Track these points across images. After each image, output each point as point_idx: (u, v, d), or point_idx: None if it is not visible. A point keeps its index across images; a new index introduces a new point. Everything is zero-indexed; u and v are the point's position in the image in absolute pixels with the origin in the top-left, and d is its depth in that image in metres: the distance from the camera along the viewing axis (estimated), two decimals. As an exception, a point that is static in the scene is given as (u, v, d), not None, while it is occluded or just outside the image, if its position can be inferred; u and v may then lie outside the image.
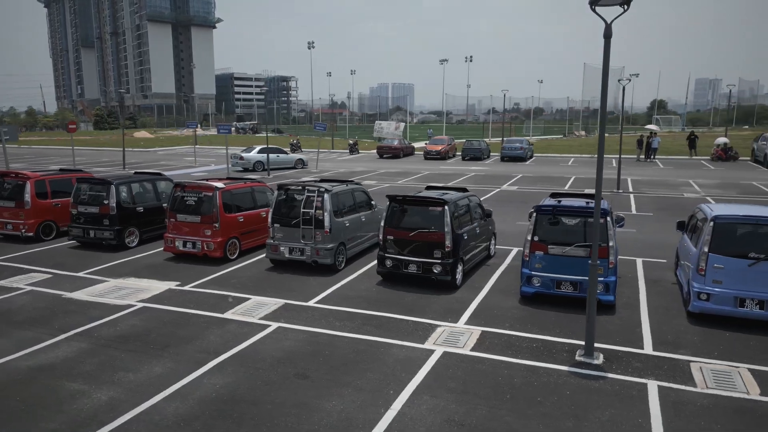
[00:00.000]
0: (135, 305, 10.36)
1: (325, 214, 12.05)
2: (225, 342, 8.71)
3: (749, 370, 7.66)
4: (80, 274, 12.41)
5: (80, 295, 10.99)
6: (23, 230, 15.08)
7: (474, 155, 40.42)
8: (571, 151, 47.45)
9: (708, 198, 22.35)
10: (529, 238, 10.18)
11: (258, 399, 6.98)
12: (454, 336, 8.88)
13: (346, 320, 9.57)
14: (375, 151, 45.29)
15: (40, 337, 8.92)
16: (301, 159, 36.29)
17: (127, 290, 11.24)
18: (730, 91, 75.30)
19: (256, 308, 10.16)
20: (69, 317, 9.80)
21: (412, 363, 7.94)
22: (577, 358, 8.06)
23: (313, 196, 12.12)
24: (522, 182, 28.17)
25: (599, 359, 7.98)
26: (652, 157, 38.68)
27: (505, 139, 43.04)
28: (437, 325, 9.31)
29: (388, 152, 42.73)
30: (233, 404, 6.86)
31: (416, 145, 49.71)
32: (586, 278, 9.65)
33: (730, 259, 9.02)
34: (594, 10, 7.34)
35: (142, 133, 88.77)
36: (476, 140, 43.32)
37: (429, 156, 41.47)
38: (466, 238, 11.51)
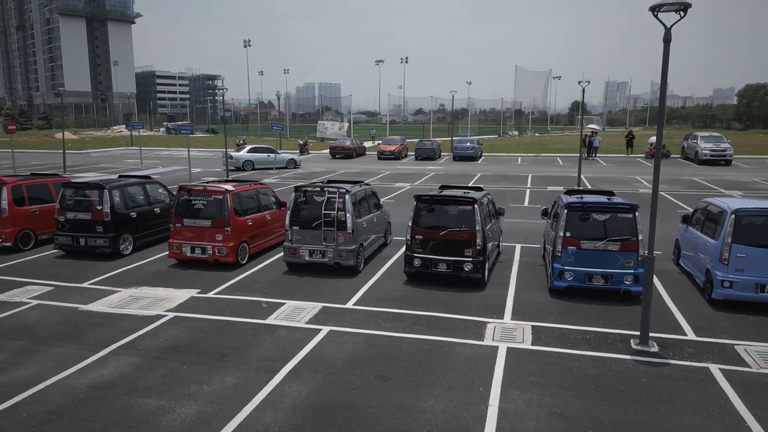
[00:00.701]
0: (165, 315, 9.86)
1: (348, 215, 11.94)
2: (283, 348, 8.48)
3: (788, 349, 8.37)
4: (85, 284, 11.63)
5: (98, 306, 10.32)
6: (0, 240, 13.91)
7: (427, 155, 41.03)
8: (514, 150, 49.17)
9: (663, 194, 23.86)
10: (561, 234, 10.56)
11: (353, 404, 6.88)
12: (508, 332, 9.10)
13: (395, 321, 9.56)
14: (326, 151, 45.03)
15: (79, 353, 8.32)
16: (293, 159, 35.82)
17: (147, 300, 10.67)
18: (649, 93, 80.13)
19: (296, 313, 9.94)
20: (99, 330, 9.19)
21: (484, 360, 8.07)
22: (634, 347, 8.48)
23: (335, 198, 11.98)
24: (484, 181, 28.91)
25: (654, 347, 8.43)
26: (593, 155, 40.80)
27: (456, 138, 43.98)
28: (486, 322, 9.49)
29: (342, 152, 42.58)
30: (331, 410, 6.72)
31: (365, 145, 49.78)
32: (616, 271, 10.26)
33: (751, 249, 9.78)
34: (656, 16, 7.76)
35: (64, 134, 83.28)
36: (428, 140, 44.01)
37: (383, 156, 41.67)
38: (490, 235, 11.78)
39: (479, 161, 40.52)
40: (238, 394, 7.10)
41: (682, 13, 7.72)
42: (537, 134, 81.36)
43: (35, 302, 10.59)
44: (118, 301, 10.59)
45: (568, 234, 10.53)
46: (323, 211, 11.95)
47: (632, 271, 10.24)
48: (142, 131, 49.44)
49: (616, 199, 11.19)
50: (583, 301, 10.42)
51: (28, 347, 8.57)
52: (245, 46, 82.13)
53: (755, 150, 44.60)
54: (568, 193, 12.21)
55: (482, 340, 8.75)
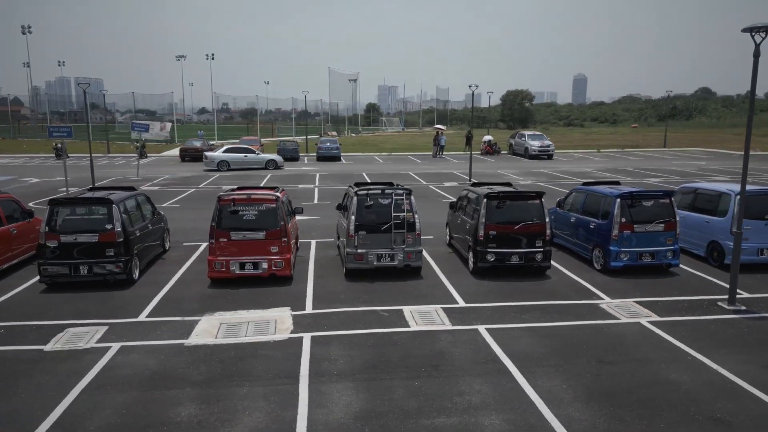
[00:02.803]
0: (299, 335, 8.89)
1: (416, 216, 11.91)
2: (477, 349, 8.44)
3: (815, 295, 10.98)
4: (141, 318, 9.71)
5: (202, 339, 8.83)
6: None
7: (291, 156, 40.29)
8: (354, 150, 50.58)
9: (540, 184, 27.40)
10: (618, 220, 12.05)
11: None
12: (625, 306, 10.27)
13: (528, 312, 10.03)
14: (167, 154, 41.26)
15: (285, 388, 7.23)
16: (273, 160, 34.30)
17: (248, 324, 9.41)
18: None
19: (427, 317, 9.78)
20: (256, 362, 8.00)
21: (645, 334, 9.09)
22: (728, 307, 10.29)
23: (402, 199, 11.83)
24: (380, 179, 29.75)
25: (741, 306, 10.35)
26: (441, 153, 44.39)
27: (320, 139, 43.82)
28: (603, 300, 10.53)
29: (194, 154, 39.51)
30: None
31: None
32: (660, 248, 12.13)
33: (753, 221, 12.42)
34: (753, 37, 9.56)
35: None
36: (290, 141, 43.21)
37: (243, 158, 39.73)
38: None
39: (343, 161, 41.17)
40: (524, 399, 7.03)
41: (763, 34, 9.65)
42: (353, 134, 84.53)
43: (114, 345, 8.61)
44: (217, 331, 9.16)
45: (623, 220, 12.07)
46: (393, 213, 11.73)
47: (672, 247, 12.20)
48: None
49: (638, 189, 13.05)
50: (635, 277, 12.06)
51: (212, 393, 7.14)
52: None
53: (559, 146, 52.93)
54: (586, 185, 13.84)
55: (622, 319, 9.74)
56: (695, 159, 41.78)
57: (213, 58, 77.70)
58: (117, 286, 11.29)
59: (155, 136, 56.98)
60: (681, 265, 12.86)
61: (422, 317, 9.78)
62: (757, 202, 12.64)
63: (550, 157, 42.28)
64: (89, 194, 11.92)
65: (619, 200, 12.18)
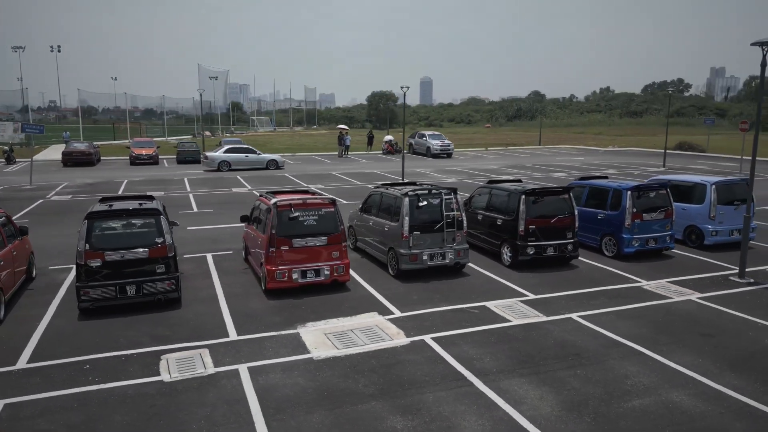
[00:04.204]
0: (422, 338, 8.80)
1: (463, 214, 12.20)
2: (584, 334, 9.03)
3: (788, 266, 13.18)
4: (234, 338, 8.92)
5: (326, 352, 8.39)
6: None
7: (193, 158, 37.78)
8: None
9: (467, 181, 28.90)
10: (629, 210, 13.39)
11: None
12: (664, 286, 11.54)
13: (594, 298, 10.84)
14: (41, 158, 36.60)
15: (468, 390, 7.20)
16: (274, 160, 33.93)
17: (357, 332, 9.09)
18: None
19: (514, 310, 10.17)
20: (412, 367, 7.84)
21: (708, 309, 10.36)
22: (739, 280, 11.99)
23: (451, 199, 12.05)
24: (308, 180, 29.24)
25: (750, 278, 12.11)
26: (346, 153, 44.51)
27: (223, 140, 41.37)
28: (641, 282, 11.68)
29: (80, 158, 35.50)
30: None
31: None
32: (661, 234, 13.72)
33: (725, 207, 14.51)
34: (763, 50, 11.26)
35: None
36: (188, 142, 40.38)
37: (138, 161, 36.44)
38: None
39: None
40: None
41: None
42: (227, 134, 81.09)
43: (238, 366, 7.88)
44: (330, 342, 8.74)
45: (635, 210, 13.43)
46: (445, 213, 11.90)
47: (669, 232, 13.85)
48: None
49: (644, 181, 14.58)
50: (642, 262, 13.51)
51: (404, 404, 6.90)
52: None
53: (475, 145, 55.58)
54: (584, 178, 15.12)
55: (673, 299, 10.95)
56: (572, 155, 46.54)
57: (59, 51, 69.73)
58: (168, 306, 10.15)
59: (8, 138, 50.37)
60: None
61: (510, 311, 10.14)
62: (727, 190, 14.79)
63: (449, 155, 44.38)
64: (134, 205, 10.51)
65: (630, 192, 13.53)
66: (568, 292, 11.19)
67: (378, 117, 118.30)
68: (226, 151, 33.35)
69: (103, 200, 11.21)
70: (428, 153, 44.34)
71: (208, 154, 33.29)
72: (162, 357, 8.20)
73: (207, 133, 78.63)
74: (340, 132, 44.81)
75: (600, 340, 8.86)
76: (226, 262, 13.25)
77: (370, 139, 47.07)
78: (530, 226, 12.59)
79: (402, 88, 28.93)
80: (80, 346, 8.57)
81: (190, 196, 23.82)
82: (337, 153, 44.61)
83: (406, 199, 11.81)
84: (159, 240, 9.93)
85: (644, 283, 11.80)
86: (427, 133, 46.52)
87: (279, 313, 10.00)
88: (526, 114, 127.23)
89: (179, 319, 9.69)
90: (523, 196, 12.65)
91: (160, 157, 38.27)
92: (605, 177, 15.78)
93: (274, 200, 11.00)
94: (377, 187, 13.58)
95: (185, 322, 9.55)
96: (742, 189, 14.81)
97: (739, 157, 32.32)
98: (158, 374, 7.67)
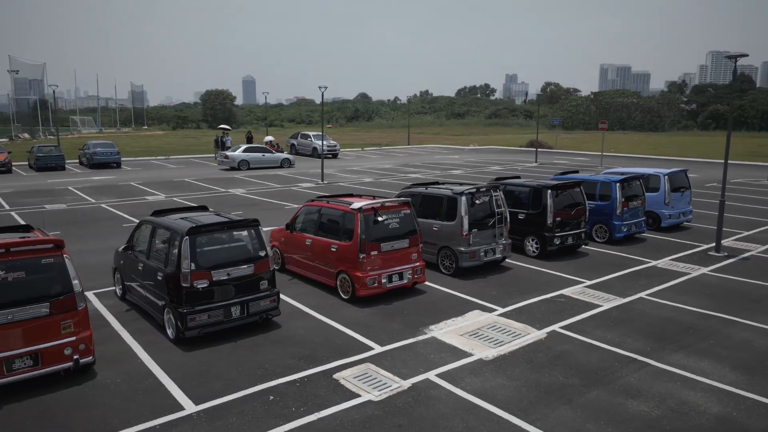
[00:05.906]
0: (549, 329, 9.21)
1: (506, 211, 12.75)
2: (653, 313, 10.21)
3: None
4: (380, 349, 8.45)
5: (496, 350, 8.40)
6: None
7: (57, 163, 32.89)
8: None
9: (367, 180, 29.53)
10: (619, 200, 15.07)
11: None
12: (673, 264, 13.29)
13: (636, 279, 12.13)
14: None
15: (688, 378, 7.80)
16: (287, 158, 35.92)
17: (487, 330, 9.20)
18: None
19: (591, 295, 11.03)
20: (584, 359, 8.20)
21: (728, 281, 12.22)
22: (715, 254, 14.21)
23: (499, 196, 12.52)
24: (207, 185, 27.45)
25: (724, 252, 14.41)
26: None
27: (90, 143, 36.06)
28: (651, 262, 13.30)
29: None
30: None
31: None
32: (639, 219, 15.73)
33: (674, 194, 17.00)
34: (734, 62, 13.50)
35: None
36: (49, 145, 34.83)
37: (-8, 170, 30.78)
38: None
39: (124, 167, 35.50)
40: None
41: (736, 59, 13.71)
42: (51, 136, 71.33)
43: (425, 376, 7.56)
44: (479, 342, 8.75)
45: (623, 199, 15.15)
46: (496, 210, 12.34)
47: (644, 218, 15.88)
48: None
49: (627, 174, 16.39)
50: (624, 246, 15.33)
51: (624, 386, 7.23)
52: None
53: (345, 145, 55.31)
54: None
55: (695, 273, 12.69)
56: (444, 154, 49.47)
57: None
58: (262, 327, 9.18)
59: None
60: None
61: (589, 296, 10.98)
62: (675, 179, 17.31)
63: (335, 156, 44.37)
64: (233, 217, 9.26)
65: (618, 184, 15.22)
66: (610, 276, 12.34)
67: (215, 117, 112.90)
68: (245, 151, 34.85)
69: (156, 213, 9.72)
70: (314, 153, 43.90)
71: (228, 153, 34.53)
72: (334, 376, 7.53)
73: (26, 135, 69.03)
74: (222, 132, 42.05)
75: (689, 315, 10.04)
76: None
77: (249, 140, 45.09)
78: (557, 218, 13.59)
79: (320, 87, 28.53)
80: (227, 377, 7.50)
81: (104, 205, 21.00)
82: (214, 155, 41.82)
83: (463, 198, 12.03)
84: (262, 253, 8.94)
85: (657, 262, 13.46)
86: (311, 133, 45.99)
87: (388, 319, 9.64)
88: (363, 115, 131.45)
89: (292, 337, 8.88)
90: (550, 191, 13.60)
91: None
92: (576, 171, 17.48)
93: (357, 205, 10.48)
94: (408, 188, 13.56)
95: (303, 340, 8.78)
96: (683, 178, 17.52)
97: (597, 153, 37.44)
98: (356, 395, 7.06)
